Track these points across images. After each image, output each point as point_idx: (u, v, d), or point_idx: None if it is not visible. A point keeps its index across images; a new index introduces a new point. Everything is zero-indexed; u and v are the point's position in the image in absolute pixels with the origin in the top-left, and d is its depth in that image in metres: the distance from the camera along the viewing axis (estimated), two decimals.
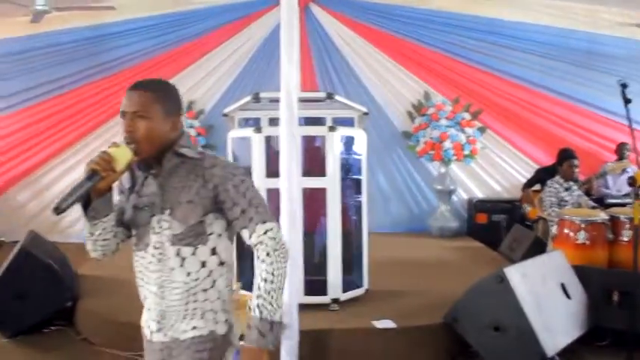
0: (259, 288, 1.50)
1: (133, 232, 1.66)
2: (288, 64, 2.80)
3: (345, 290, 3.59)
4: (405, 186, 6.87)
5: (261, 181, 3.38)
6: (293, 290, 2.81)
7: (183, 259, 1.56)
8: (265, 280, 1.50)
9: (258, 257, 1.53)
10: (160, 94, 1.57)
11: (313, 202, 3.55)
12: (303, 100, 3.14)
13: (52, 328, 3.81)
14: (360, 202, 3.80)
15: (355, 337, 3.32)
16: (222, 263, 1.60)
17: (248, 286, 3.44)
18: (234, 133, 3.69)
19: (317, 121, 3.72)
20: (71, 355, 3.49)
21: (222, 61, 6.65)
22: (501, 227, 6.09)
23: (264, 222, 1.54)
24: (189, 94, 6.53)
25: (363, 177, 3.79)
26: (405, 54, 6.74)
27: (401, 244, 5.95)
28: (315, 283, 3.50)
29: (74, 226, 6.60)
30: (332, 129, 3.46)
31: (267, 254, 1.52)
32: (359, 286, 3.74)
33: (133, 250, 1.66)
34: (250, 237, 1.55)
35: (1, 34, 6.41)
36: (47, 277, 3.72)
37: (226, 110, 3.76)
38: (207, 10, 6.56)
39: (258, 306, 1.49)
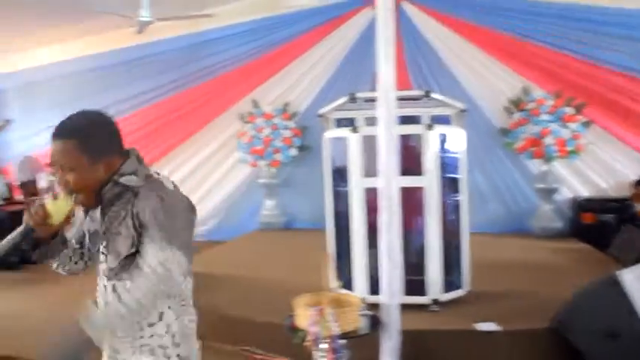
0: (110, 305, 1.47)
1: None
2: (385, 64, 2.78)
3: (444, 291, 3.52)
4: (503, 184, 6.61)
5: (358, 181, 3.40)
6: (393, 290, 2.79)
7: (120, 295, 1.49)
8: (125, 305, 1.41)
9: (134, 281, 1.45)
10: (81, 140, 1.46)
11: (409, 201, 3.51)
12: (399, 99, 3.11)
13: None
14: (458, 201, 3.71)
15: (456, 339, 3.24)
16: (168, 296, 1.50)
17: (348, 285, 3.49)
18: (330, 134, 3.73)
19: (413, 120, 3.67)
20: None
21: (315, 63, 6.73)
22: (610, 227, 5.71)
23: (160, 250, 1.42)
24: (283, 96, 6.70)
25: (462, 175, 3.70)
26: (501, 48, 6.49)
27: (501, 245, 5.74)
28: (413, 283, 3.46)
29: None
30: (429, 127, 3.41)
31: (149, 270, 1.41)
32: (459, 287, 3.65)
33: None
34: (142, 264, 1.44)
35: (110, 46, 6.92)
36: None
37: (321, 111, 3.80)
38: (299, 13, 6.66)
39: (102, 313, 1.46)
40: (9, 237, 1.45)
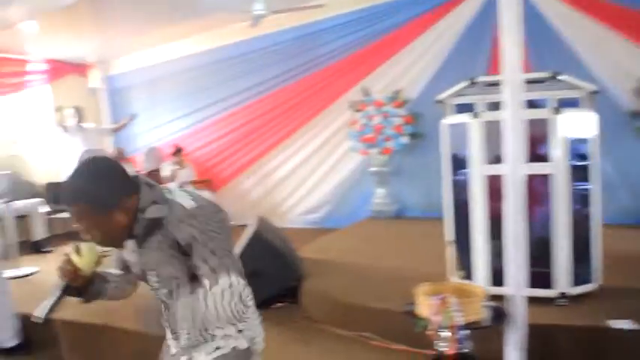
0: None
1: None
2: (512, 46, 2.65)
3: (573, 285, 3.32)
4: (635, 172, 6.11)
5: (480, 169, 3.29)
6: (519, 281, 2.68)
7: (184, 307, 1.64)
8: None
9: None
10: (91, 200, 1.50)
11: (535, 189, 3.34)
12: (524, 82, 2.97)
13: (279, 304, 4.17)
14: (588, 189, 3.47)
15: (587, 336, 3.04)
16: (221, 294, 1.55)
17: (467, 275, 3.40)
18: (449, 120, 3.63)
19: (538, 103, 3.48)
20: (296, 330, 3.76)
21: (426, 49, 6.55)
22: None
23: (208, 275, 1.53)
24: (394, 84, 6.62)
25: (592, 162, 3.45)
26: (630, 25, 5.97)
27: (632, 237, 5.31)
28: (539, 275, 3.29)
29: (292, 211, 7.20)
30: (557, 111, 3.22)
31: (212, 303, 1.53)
32: (589, 281, 3.43)
33: None
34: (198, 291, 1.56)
35: (226, 40, 7.22)
36: (275, 257, 4.09)
37: (440, 97, 3.71)
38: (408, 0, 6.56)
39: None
40: (51, 297, 1.58)
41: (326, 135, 7.06)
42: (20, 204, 6.32)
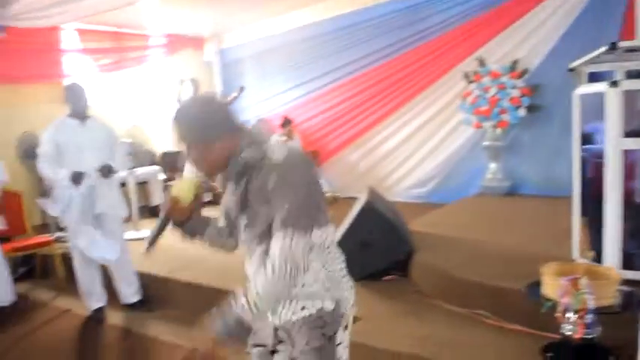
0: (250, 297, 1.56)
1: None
2: None
3: None
4: None
5: (615, 141, 3.02)
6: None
7: (268, 255, 1.58)
8: (257, 293, 1.55)
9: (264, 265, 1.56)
10: (193, 136, 1.63)
11: None
12: None
13: (389, 277, 4.14)
14: None
15: None
16: (310, 250, 1.57)
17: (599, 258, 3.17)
18: (583, 90, 3.36)
19: None
20: (407, 304, 3.71)
21: (548, 16, 6.12)
22: None
23: (286, 227, 1.51)
24: (512, 54, 6.26)
25: None
26: None
27: None
28: None
29: (398, 185, 7.11)
30: None
31: (270, 267, 1.53)
32: None
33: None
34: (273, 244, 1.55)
35: (336, 11, 7.18)
36: (387, 229, 4.04)
37: (573, 64, 3.43)
38: None
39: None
40: (153, 230, 1.70)
41: (437, 107, 6.84)
42: (141, 171, 6.74)
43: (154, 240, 1.70)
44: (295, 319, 1.68)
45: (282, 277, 1.51)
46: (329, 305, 1.68)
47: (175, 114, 1.66)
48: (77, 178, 3.93)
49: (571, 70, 3.47)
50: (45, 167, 4.00)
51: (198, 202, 1.79)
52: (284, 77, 7.95)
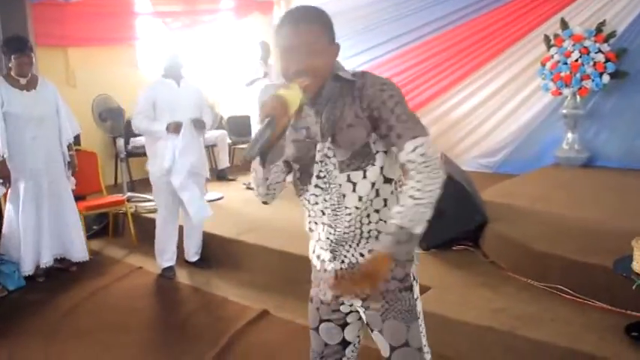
0: (404, 205, 1.40)
1: (295, 166, 1.62)
2: None
3: None
4: None
5: None
6: None
7: (354, 183, 1.51)
8: (412, 197, 1.39)
9: (408, 176, 1.43)
10: (324, 25, 1.50)
11: None
12: None
13: (460, 246, 4.00)
14: None
15: None
16: (388, 180, 1.53)
17: None
18: None
19: None
20: (481, 275, 3.58)
21: None
22: None
23: (414, 137, 1.41)
24: (597, 16, 5.85)
25: None
26: None
27: None
28: None
29: (468, 153, 6.87)
30: None
31: (417, 172, 1.40)
32: None
33: (296, 184, 1.64)
34: (399, 155, 1.44)
35: None
36: (461, 197, 3.89)
37: None
38: None
39: (400, 215, 1.39)
40: (256, 135, 1.37)
41: (513, 72, 6.49)
42: (209, 134, 6.80)
43: (260, 145, 1.38)
44: (362, 262, 1.55)
45: (437, 166, 1.41)
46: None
47: (300, 12, 1.50)
48: (176, 127, 4.10)
49: None
50: (142, 121, 4.15)
51: (295, 117, 1.54)
52: (356, 40, 7.73)
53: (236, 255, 4.48)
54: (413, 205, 1.38)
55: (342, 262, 1.59)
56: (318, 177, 1.55)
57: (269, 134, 1.37)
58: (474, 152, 6.90)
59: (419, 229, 1.40)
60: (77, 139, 5.08)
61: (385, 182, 1.53)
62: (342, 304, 1.67)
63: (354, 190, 1.51)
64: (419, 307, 1.64)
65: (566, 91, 5.92)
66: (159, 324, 3.70)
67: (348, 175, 1.51)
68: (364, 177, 1.51)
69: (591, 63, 5.73)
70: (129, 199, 5.63)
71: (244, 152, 1.41)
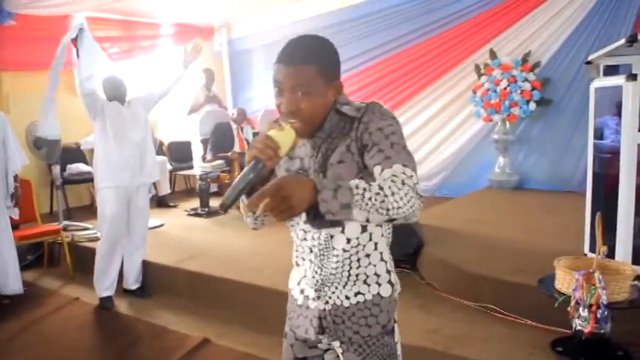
0: (369, 184, 1.16)
1: None
2: None
3: None
4: None
5: (631, 136, 3.00)
6: None
7: (343, 225, 1.42)
8: (380, 187, 1.16)
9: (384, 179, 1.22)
10: (322, 64, 1.36)
11: None
12: None
13: (398, 269, 4.10)
14: None
15: None
16: (381, 223, 1.42)
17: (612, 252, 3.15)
18: (599, 83, 3.33)
19: None
20: (415, 297, 3.69)
21: (560, 10, 6.03)
22: None
23: (405, 166, 1.24)
24: (524, 47, 6.22)
25: None
26: None
27: None
28: None
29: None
30: None
31: (395, 181, 1.18)
32: None
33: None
34: (382, 172, 1.26)
35: (347, 2, 7.15)
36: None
37: (591, 57, 3.40)
38: None
39: (359, 185, 1.15)
40: (239, 178, 1.25)
41: (446, 100, 6.79)
42: None
43: (241, 191, 1.25)
44: (347, 305, 1.49)
45: (414, 189, 1.20)
46: (386, 291, 1.50)
47: (296, 50, 1.37)
48: None
49: (588, 62, 3.44)
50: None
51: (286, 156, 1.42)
52: None
53: (176, 283, 4.43)
54: (376, 192, 1.16)
55: (327, 302, 1.51)
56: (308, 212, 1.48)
57: (252, 178, 1.25)
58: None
59: (356, 214, 1.16)
60: None
61: (377, 225, 1.46)
62: (320, 342, 1.57)
63: (342, 232, 1.44)
64: (399, 351, 1.58)
65: (496, 118, 6.24)
66: (96, 357, 3.61)
67: None
68: None
69: (519, 91, 6.08)
70: (65, 228, 5.48)
71: (223, 198, 1.26)
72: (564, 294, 2.63)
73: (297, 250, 1.57)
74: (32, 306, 4.33)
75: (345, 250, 1.45)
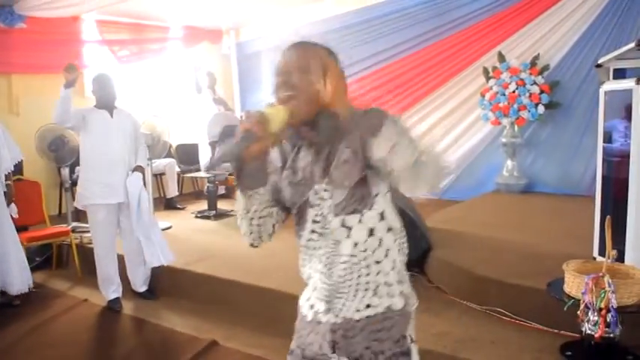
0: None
1: (293, 211, 1.50)
2: None
3: None
4: None
5: None
6: None
7: (349, 228, 1.40)
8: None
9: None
10: (321, 51, 1.44)
11: None
12: None
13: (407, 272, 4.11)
14: None
15: None
16: (390, 229, 1.44)
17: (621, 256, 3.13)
18: (609, 86, 3.32)
19: None
20: (424, 300, 3.62)
21: (569, 13, 6.02)
22: None
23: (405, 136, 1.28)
24: (532, 50, 6.21)
25: None
26: None
27: None
28: None
29: None
30: None
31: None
32: None
33: (296, 229, 1.52)
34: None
35: (356, 4, 7.16)
36: (406, 224, 3.98)
37: (601, 60, 3.39)
38: None
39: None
40: (229, 145, 1.30)
41: (455, 103, 6.79)
42: (157, 162, 6.75)
43: (227, 155, 1.31)
44: (358, 318, 1.44)
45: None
46: (398, 303, 1.47)
47: (306, 41, 1.46)
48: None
49: (598, 66, 3.43)
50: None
51: (275, 142, 1.43)
52: None
53: (184, 285, 4.44)
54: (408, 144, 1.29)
55: (337, 315, 1.46)
56: (314, 221, 1.44)
57: (241, 147, 1.29)
58: None
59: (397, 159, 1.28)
60: (19, 168, 4.96)
61: (388, 231, 1.45)
62: (330, 359, 1.49)
63: (348, 237, 1.41)
64: None
65: (505, 121, 6.23)
66: (105, 358, 3.62)
67: (343, 220, 1.41)
68: (360, 221, 1.41)
69: (527, 94, 6.06)
70: (74, 230, 5.50)
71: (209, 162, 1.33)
72: (573, 298, 2.62)
73: (304, 266, 1.54)
74: (41, 307, 4.34)
75: (352, 255, 1.42)
